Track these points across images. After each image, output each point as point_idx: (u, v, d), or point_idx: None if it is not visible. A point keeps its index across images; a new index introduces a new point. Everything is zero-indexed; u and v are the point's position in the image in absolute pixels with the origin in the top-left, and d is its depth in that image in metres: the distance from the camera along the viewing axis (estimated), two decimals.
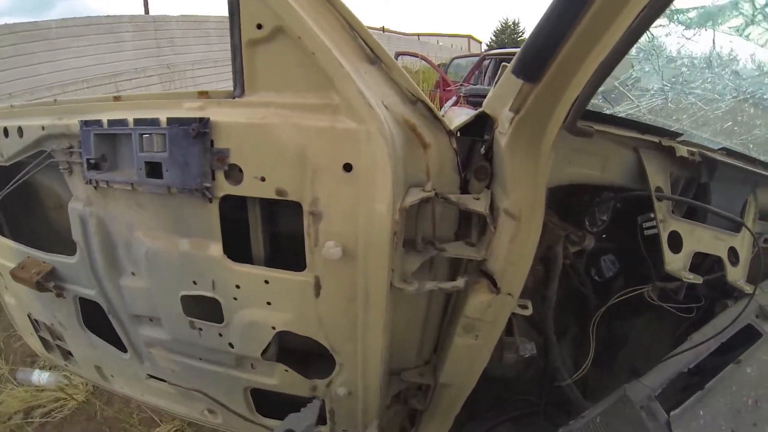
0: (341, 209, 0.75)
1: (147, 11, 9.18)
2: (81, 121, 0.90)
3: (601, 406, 0.93)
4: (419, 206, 0.84)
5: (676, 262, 0.96)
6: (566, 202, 1.13)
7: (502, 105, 0.77)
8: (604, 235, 1.20)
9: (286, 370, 0.95)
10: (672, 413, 0.89)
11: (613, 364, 1.22)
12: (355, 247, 0.76)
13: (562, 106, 0.65)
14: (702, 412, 0.89)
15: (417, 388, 1.10)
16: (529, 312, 0.93)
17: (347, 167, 0.73)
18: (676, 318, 1.12)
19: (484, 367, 0.96)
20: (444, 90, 6.19)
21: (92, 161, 0.90)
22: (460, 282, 0.86)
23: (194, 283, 0.90)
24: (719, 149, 1.05)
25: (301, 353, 1.02)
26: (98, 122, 0.88)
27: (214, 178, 0.79)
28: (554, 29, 0.58)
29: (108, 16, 7.19)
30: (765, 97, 1.04)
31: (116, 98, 0.93)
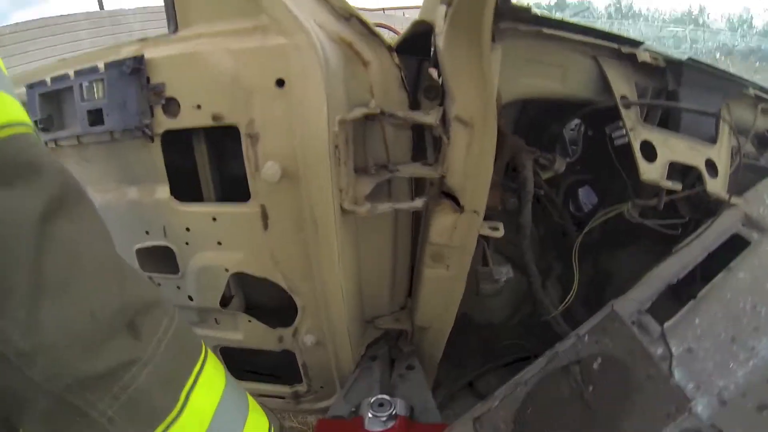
0: (277, 127, 0.72)
1: (102, 7, 8.65)
2: (26, 84, 0.89)
3: (587, 326, 0.86)
4: (366, 128, 0.81)
5: (651, 172, 0.91)
6: (535, 133, 1.09)
7: (436, 6, 0.75)
8: (578, 167, 1.15)
9: (249, 320, 0.91)
10: (666, 324, 0.82)
11: (602, 303, 1.14)
12: (296, 166, 0.73)
13: None
14: (698, 320, 0.82)
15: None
16: (500, 233, 0.87)
17: (280, 83, 0.71)
18: (662, 247, 1.05)
19: (459, 301, 0.90)
20: None
21: (40, 124, 0.89)
22: (418, 202, 0.82)
23: (147, 233, 0.87)
24: (686, 59, 1.00)
25: (272, 311, 0.97)
26: (42, 82, 0.88)
27: (152, 115, 0.78)
28: None
29: (62, 15, 6.80)
30: None
31: (61, 61, 0.93)
